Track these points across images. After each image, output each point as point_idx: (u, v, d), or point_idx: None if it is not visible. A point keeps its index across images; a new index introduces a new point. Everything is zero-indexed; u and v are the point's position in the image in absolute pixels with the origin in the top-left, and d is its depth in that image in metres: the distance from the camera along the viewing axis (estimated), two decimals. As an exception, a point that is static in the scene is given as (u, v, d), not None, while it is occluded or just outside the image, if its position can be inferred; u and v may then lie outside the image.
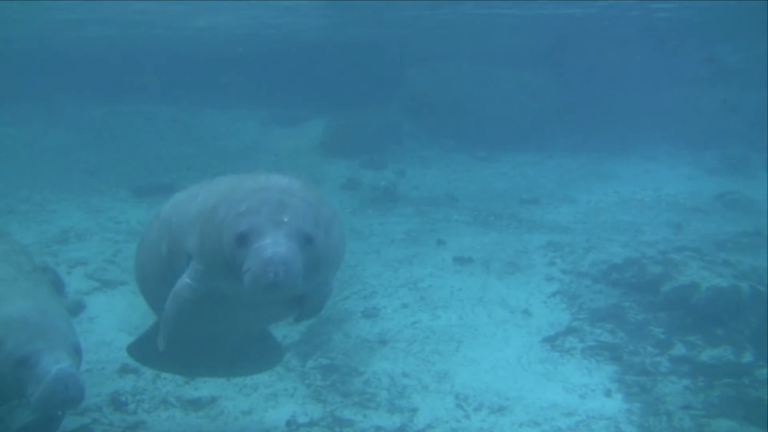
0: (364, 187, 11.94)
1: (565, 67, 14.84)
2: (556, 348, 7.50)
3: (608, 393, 6.79)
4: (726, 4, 13.52)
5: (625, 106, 14.23)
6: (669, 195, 11.63)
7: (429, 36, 17.58)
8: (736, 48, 14.91)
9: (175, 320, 4.95)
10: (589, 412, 6.52)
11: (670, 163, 13.05)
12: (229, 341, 5.64)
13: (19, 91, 16.30)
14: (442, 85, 15.18)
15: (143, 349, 5.71)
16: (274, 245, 4.36)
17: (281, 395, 6.73)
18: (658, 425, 6.35)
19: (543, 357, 7.37)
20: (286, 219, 4.48)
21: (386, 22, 16.34)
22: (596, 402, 6.68)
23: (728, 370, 7.01)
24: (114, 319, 7.89)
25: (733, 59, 14.68)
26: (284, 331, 7.47)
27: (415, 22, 16.33)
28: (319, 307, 5.07)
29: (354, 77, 15.56)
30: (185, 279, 4.87)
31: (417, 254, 9.57)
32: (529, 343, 7.60)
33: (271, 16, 16.01)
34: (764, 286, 7.77)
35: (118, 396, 6.66)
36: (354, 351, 7.46)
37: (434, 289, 8.66)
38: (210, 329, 5.31)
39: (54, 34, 17.58)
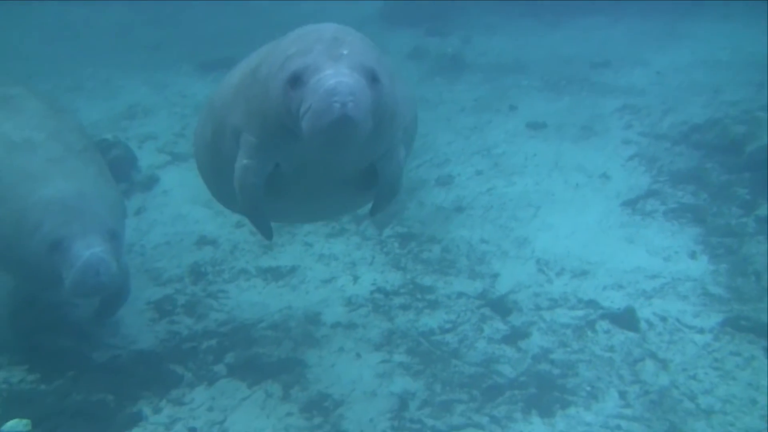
0: (430, 55, 11.63)
1: None
2: (637, 211, 7.32)
3: (693, 255, 6.63)
4: None
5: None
6: (748, 53, 11.10)
7: None
8: None
9: (252, 210, 4.36)
10: (674, 274, 6.39)
11: (747, 20, 12.42)
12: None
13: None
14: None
15: None
16: (336, 75, 3.63)
17: (360, 264, 6.71)
18: (747, 285, 6.20)
19: (623, 221, 7.21)
20: (345, 52, 3.76)
21: None
22: (681, 264, 6.53)
23: (818, 229, 6.79)
24: (187, 191, 7.88)
25: None
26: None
27: None
28: (394, 184, 4.38)
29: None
30: (242, 160, 4.13)
31: (489, 121, 9.34)
32: (609, 207, 7.43)
33: None
34: None
35: (197, 267, 6.72)
36: (430, 219, 7.38)
37: (508, 156, 8.48)
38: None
39: None
